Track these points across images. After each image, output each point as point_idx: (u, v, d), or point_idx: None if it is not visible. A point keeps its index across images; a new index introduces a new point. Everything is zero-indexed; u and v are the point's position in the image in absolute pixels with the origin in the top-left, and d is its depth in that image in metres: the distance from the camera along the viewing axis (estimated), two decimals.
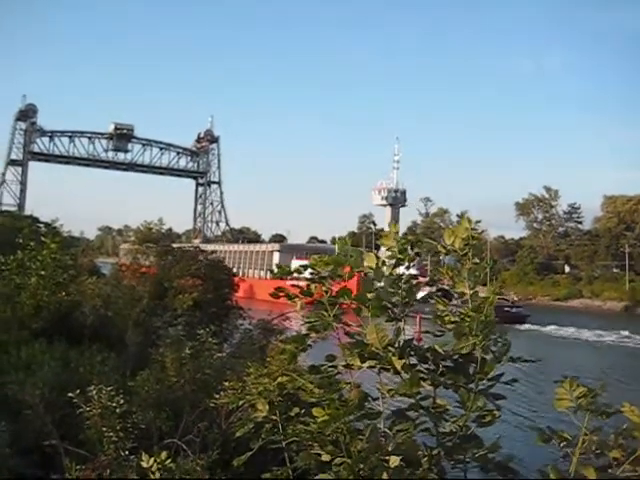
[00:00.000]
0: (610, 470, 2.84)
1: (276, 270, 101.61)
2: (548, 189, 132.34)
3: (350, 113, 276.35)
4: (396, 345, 3.19)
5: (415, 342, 3.29)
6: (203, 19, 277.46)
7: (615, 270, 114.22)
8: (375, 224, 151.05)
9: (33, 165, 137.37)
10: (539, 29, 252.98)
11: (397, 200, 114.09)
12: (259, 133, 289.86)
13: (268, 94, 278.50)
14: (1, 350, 13.48)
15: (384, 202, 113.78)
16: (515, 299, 79.01)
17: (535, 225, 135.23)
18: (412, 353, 3.23)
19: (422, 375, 3.19)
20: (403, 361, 3.14)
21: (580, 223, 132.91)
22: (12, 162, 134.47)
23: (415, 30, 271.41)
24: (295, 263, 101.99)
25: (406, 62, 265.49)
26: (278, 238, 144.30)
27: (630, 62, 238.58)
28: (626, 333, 60.91)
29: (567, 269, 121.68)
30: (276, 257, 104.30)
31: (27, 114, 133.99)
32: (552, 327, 65.50)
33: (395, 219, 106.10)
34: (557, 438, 2.98)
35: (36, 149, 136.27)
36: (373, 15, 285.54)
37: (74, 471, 6.89)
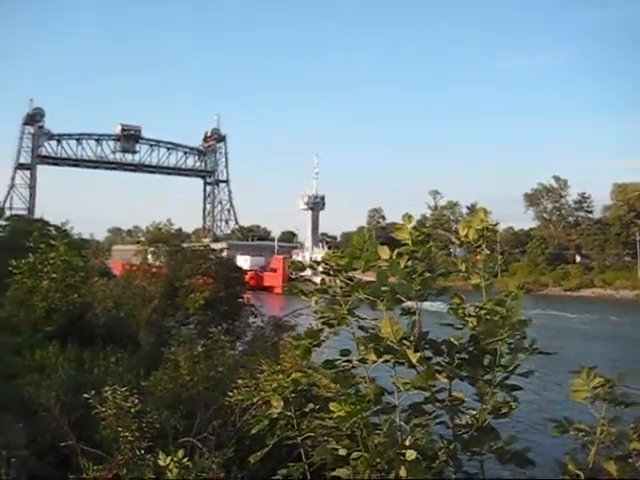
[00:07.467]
0: (630, 460, 2.81)
1: None
2: (557, 179, 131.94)
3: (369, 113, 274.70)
4: (411, 338, 3.17)
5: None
6: (207, 19, 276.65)
7: (626, 258, 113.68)
8: (385, 218, 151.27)
9: (42, 168, 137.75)
10: (535, 27, 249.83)
11: (317, 205, 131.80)
12: (268, 130, 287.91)
13: (276, 92, 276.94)
14: (15, 353, 13.57)
15: (306, 207, 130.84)
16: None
17: (545, 215, 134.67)
18: (427, 346, 3.21)
19: (437, 368, 3.17)
20: (419, 354, 3.12)
21: (590, 212, 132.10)
22: (21, 166, 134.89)
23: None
24: (239, 258, 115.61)
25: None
26: (288, 235, 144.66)
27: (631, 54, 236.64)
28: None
29: (578, 259, 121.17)
30: (225, 254, 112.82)
31: (34, 118, 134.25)
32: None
33: (315, 221, 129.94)
34: (573, 429, 2.96)
35: (44, 152, 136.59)
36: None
37: (91, 471, 6.91)
